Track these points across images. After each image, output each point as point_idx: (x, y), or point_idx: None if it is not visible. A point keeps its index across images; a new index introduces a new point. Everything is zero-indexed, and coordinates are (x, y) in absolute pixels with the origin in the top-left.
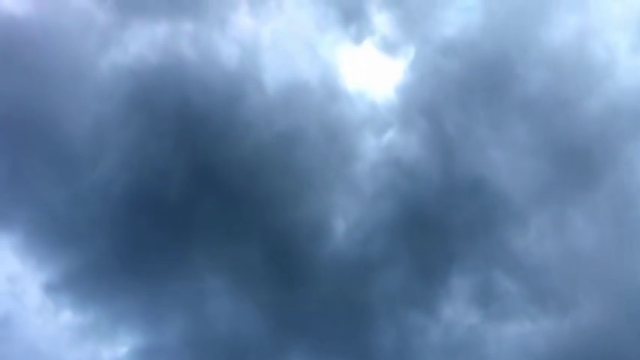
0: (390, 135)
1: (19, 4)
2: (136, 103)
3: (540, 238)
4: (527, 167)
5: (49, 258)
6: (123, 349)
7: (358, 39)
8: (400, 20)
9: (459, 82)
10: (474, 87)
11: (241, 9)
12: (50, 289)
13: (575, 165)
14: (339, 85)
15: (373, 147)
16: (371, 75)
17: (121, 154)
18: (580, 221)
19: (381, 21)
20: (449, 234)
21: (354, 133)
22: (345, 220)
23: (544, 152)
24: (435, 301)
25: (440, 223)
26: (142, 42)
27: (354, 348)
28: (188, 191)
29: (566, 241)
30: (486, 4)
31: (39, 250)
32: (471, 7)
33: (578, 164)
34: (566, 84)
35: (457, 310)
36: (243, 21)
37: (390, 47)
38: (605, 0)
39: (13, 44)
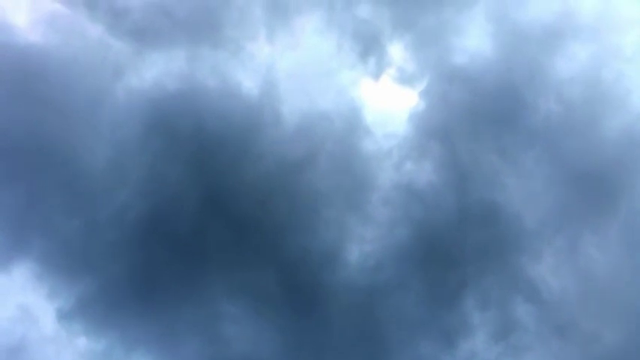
0: (403, 163)
1: (35, 33)
2: (151, 131)
3: (556, 266)
4: (541, 194)
5: (63, 285)
6: None
7: (374, 69)
8: (415, 50)
9: (472, 110)
10: (487, 115)
11: (260, 37)
12: (64, 316)
13: (589, 192)
14: (355, 114)
15: (387, 174)
16: (386, 104)
17: (135, 182)
18: (596, 248)
19: (397, 51)
20: (463, 261)
21: (368, 162)
22: (358, 246)
23: (558, 179)
24: (450, 330)
25: (454, 250)
26: (159, 70)
27: None
28: (202, 217)
29: (582, 268)
30: (498, 32)
31: (53, 278)
32: (483, 35)
33: (593, 191)
34: (579, 111)
35: (472, 340)
36: (261, 49)
37: (405, 77)
38: (617, 30)
39: (28, 72)
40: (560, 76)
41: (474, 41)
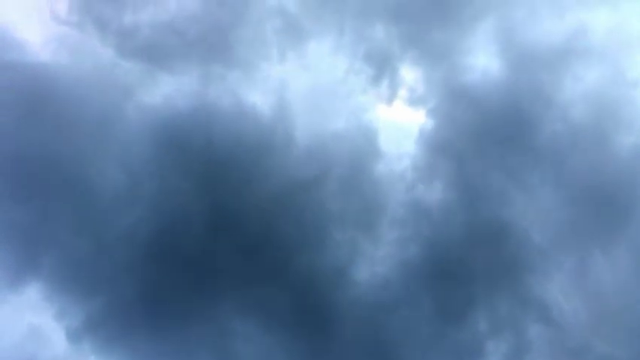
0: (413, 182)
1: (46, 52)
2: (161, 151)
3: (566, 286)
4: (550, 213)
5: (73, 304)
6: None
7: (385, 90)
8: (425, 71)
9: (482, 130)
10: (497, 134)
11: (272, 57)
12: (74, 335)
13: (599, 211)
14: (366, 134)
15: (396, 194)
16: (396, 124)
17: (145, 201)
18: (606, 267)
19: (408, 72)
20: (472, 280)
21: (378, 181)
22: (368, 264)
23: (567, 198)
24: (460, 349)
25: (463, 268)
26: (170, 90)
27: None
28: (213, 236)
29: (593, 288)
30: (507, 52)
31: (63, 297)
32: (493, 55)
33: (602, 210)
34: (588, 130)
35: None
36: (273, 69)
37: (415, 98)
38: (626, 51)
39: (40, 91)
40: (569, 95)
41: (483, 61)
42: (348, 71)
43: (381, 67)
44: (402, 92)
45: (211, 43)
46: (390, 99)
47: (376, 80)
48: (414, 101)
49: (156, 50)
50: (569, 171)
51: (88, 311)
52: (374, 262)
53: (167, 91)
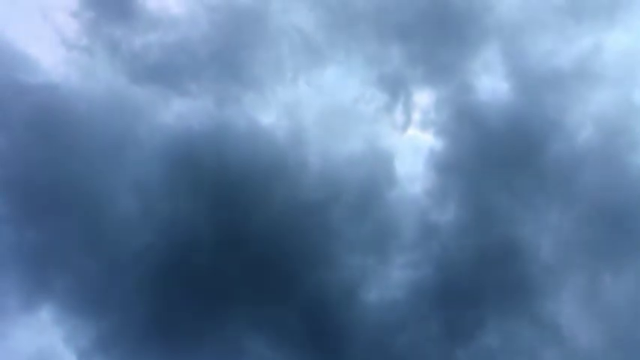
0: (424, 204)
1: (57, 75)
2: (173, 172)
3: (577, 306)
4: (561, 234)
5: (85, 325)
6: None
7: (397, 113)
8: (436, 95)
9: (493, 152)
10: (508, 156)
11: (286, 79)
12: (85, 356)
13: (610, 231)
14: (379, 157)
15: (407, 215)
16: (408, 147)
17: (156, 222)
18: (616, 288)
19: (420, 97)
20: (482, 300)
21: (389, 203)
22: (379, 285)
23: (577, 219)
24: None
25: (472, 289)
26: (182, 111)
27: None
28: (224, 257)
29: (603, 308)
30: (518, 75)
31: (74, 318)
32: (503, 78)
33: (614, 230)
34: (598, 150)
35: None
36: (287, 92)
37: (427, 121)
38: (636, 74)
39: (52, 113)
40: (580, 116)
41: (494, 84)
42: (362, 94)
43: (395, 90)
44: (415, 116)
45: (224, 64)
46: (403, 122)
47: (389, 104)
48: (425, 124)
49: (167, 72)
50: (580, 192)
51: (99, 332)
52: (384, 282)
53: (179, 112)
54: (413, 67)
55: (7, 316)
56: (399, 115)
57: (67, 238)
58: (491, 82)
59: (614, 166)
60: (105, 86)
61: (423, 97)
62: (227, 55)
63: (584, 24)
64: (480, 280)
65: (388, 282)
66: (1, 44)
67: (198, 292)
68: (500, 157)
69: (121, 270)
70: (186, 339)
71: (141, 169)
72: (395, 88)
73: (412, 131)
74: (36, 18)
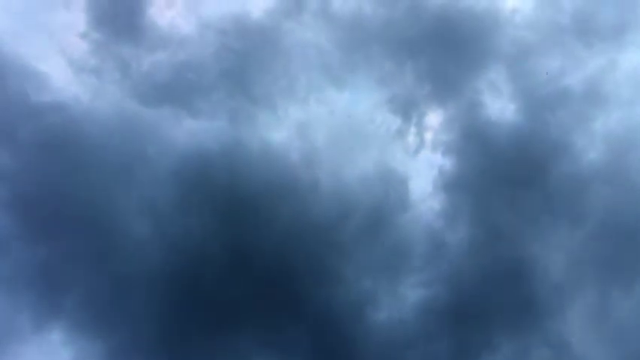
0: (434, 224)
1: (68, 95)
2: (183, 190)
3: (587, 325)
4: (569, 254)
5: (95, 345)
6: None
7: (408, 134)
8: (447, 116)
9: (503, 173)
10: (518, 176)
11: (298, 99)
12: None
13: (620, 250)
14: (389, 176)
15: (417, 236)
16: (420, 168)
17: (166, 241)
18: (627, 307)
19: (431, 118)
20: (491, 320)
21: (398, 221)
22: (388, 302)
23: (588, 238)
24: None
25: (482, 309)
26: (193, 130)
27: None
28: (234, 275)
29: (612, 326)
30: (527, 96)
31: (85, 337)
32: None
33: (624, 249)
34: (608, 169)
35: None
36: (299, 111)
37: (437, 142)
38: None
39: (64, 132)
40: (590, 136)
41: (504, 105)
42: (374, 114)
43: (406, 111)
44: (426, 136)
45: (235, 83)
46: (414, 143)
47: (401, 124)
48: (436, 145)
49: (178, 91)
50: (590, 211)
51: (110, 351)
52: (393, 301)
53: (190, 131)
54: (424, 88)
55: (18, 336)
56: (410, 136)
57: (77, 256)
58: (501, 103)
59: (622, 185)
60: (115, 106)
61: (434, 118)
62: (238, 74)
63: (592, 45)
64: (489, 299)
65: (398, 301)
66: (13, 64)
67: (209, 310)
68: (510, 176)
69: (132, 288)
70: (196, 357)
71: (151, 188)
72: (406, 108)
73: (422, 151)
74: (45, 38)
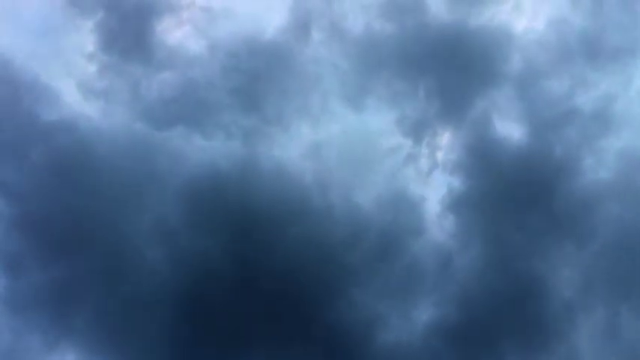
0: (443, 241)
1: (78, 115)
2: (194, 211)
3: (598, 344)
4: (580, 272)
5: None
6: None
7: (419, 155)
8: (457, 136)
9: (511, 193)
10: (527, 195)
11: (311, 119)
12: None
13: (631, 269)
14: (401, 198)
15: (426, 252)
16: (429, 188)
17: (178, 261)
18: (636, 328)
19: (442, 138)
20: (501, 341)
21: (410, 241)
22: (397, 324)
23: (598, 257)
24: None
25: (492, 331)
26: (204, 150)
27: None
28: (245, 294)
29: (624, 347)
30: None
31: (97, 357)
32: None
33: (635, 270)
34: (619, 186)
35: None
36: (311, 132)
37: (448, 162)
38: None
39: (74, 153)
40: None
41: (517, 126)
42: (387, 136)
43: (419, 132)
44: (439, 158)
45: (246, 101)
46: (426, 164)
47: (414, 146)
48: (446, 166)
49: (188, 111)
50: (599, 231)
51: None
52: (403, 323)
53: (200, 152)
54: (437, 108)
55: (30, 357)
56: (422, 157)
57: (89, 276)
58: (514, 123)
59: (632, 204)
60: (125, 127)
61: (447, 139)
62: (250, 94)
63: (603, 66)
64: (499, 320)
65: (407, 322)
66: (24, 85)
67: (220, 331)
68: (522, 196)
69: (143, 308)
70: None
71: (163, 208)
72: (419, 129)
73: (434, 173)
74: (55, 59)
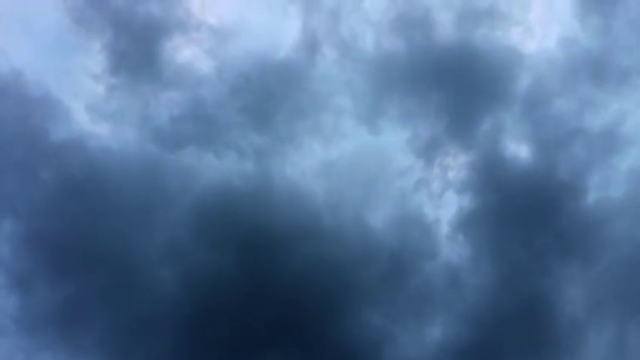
0: (451, 260)
1: (88, 134)
2: (202, 230)
3: None
4: (588, 290)
5: None
6: None
7: (428, 172)
8: (464, 154)
9: (519, 213)
10: (535, 215)
11: (323, 139)
12: None
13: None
14: (412, 218)
15: (436, 271)
16: (441, 207)
17: (188, 279)
18: None
19: (450, 157)
20: (509, 359)
21: (420, 261)
22: (405, 342)
23: (606, 275)
24: None
25: (499, 349)
26: (215, 169)
27: None
28: (254, 312)
29: None
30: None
31: None
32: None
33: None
34: (628, 204)
35: None
36: (322, 151)
37: (456, 180)
38: None
39: (87, 172)
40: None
41: (526, 146)
42: (399, 158)
43: (431, 153)
44: (448, 178)
45: (258, 120)
46: (439, 187)
47: (425, 166)
48: (455, 186)
49: (198, 130)
50: (607, 250)
51: None
52: (411, 341)
53: (211, 171)
54: (448, 128)
55: None
56: (435, 179)
57: (98, 295)
58: (523, 143)
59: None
60: (135, 147)
61: (456, 159)
62: (262, 113)
63: (610, 87)
64: (508, 338)
65: (417, 341)
66: (34, 104)
67: (229, 350)
68: (531, 216)
69: (153, 327)
70: None
71: (173, 228)
72: (431, 149)
73: (446, 194)
74: (64, 80)
